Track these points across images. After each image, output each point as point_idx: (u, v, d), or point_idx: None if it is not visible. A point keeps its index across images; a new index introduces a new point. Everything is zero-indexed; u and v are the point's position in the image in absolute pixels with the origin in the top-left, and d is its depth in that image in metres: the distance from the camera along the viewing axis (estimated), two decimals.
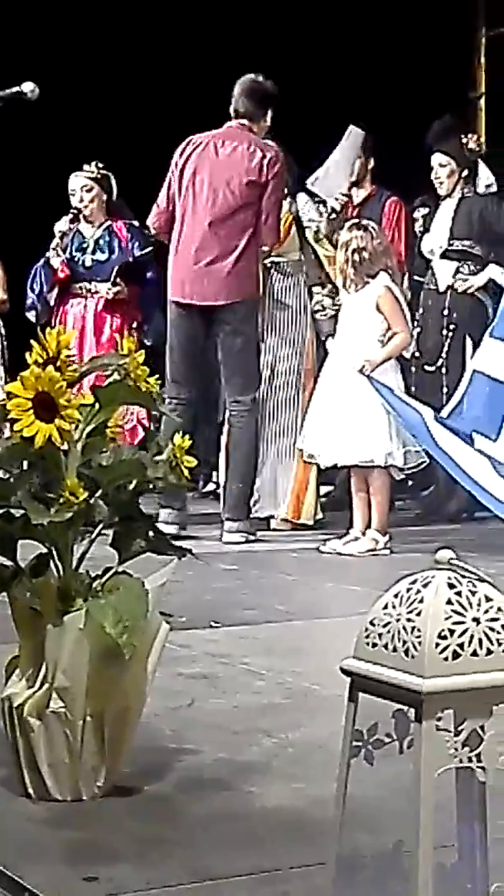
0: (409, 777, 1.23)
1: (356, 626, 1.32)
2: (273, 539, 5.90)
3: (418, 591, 1.26)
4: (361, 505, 5.48)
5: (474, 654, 1.23)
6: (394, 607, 1.27)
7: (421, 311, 6.54)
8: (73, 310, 6.74)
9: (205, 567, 3.84)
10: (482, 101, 10.16)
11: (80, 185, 6.75)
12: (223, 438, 6.09)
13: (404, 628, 1.25)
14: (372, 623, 1.29)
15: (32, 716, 2.00)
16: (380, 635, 1.27)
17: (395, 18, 8.91)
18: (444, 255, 6.54)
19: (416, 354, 6.50)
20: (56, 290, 6.74)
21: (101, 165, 6.77)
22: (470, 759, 1.23)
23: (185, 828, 1.91)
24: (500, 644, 1.24)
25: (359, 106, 7.98)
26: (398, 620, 1.26)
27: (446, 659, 1.22)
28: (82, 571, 2.05)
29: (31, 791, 2.03)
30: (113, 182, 6.80)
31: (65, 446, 1.99)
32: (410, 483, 7.14)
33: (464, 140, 6.66)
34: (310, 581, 4.74)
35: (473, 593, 1.26)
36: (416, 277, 6.74)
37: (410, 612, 1.25)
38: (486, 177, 6.76)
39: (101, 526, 2.05)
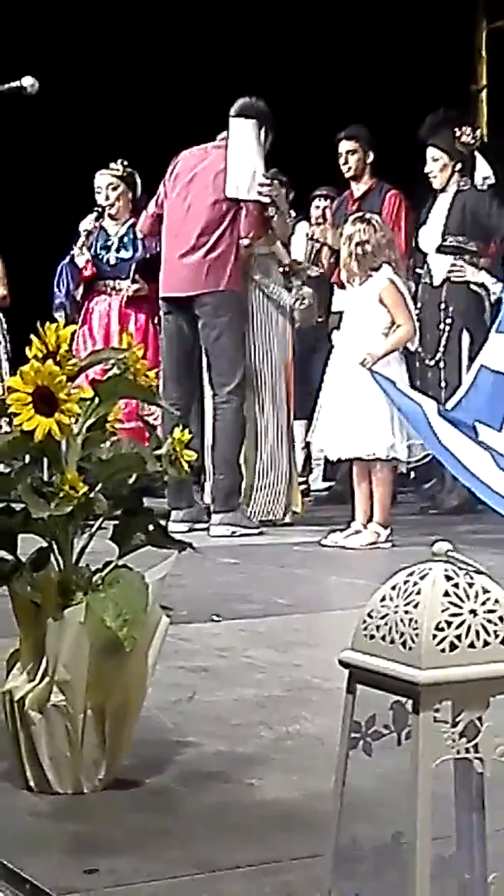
0: (407, 768, 1.23)
1: (357, 619, 1.33)
2: (274, 532, 5.91)
3: (415, 584, 1.26)
4: (363, 498, 5.48)
5: (471, 645, 1.23)
6: (391, 599, 1.28)
7: (419, 305, 6.54)
8: (98, 307, 6.78)
9: (205, 560, 3.84)
10: (483, 94, 10.16)
11: (106, 182, 6.79)
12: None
13: (402, 620, 1.25)
14: (370, 615, 1.29)
15: (33, 709, 2.01)
16: (377, 627, 1.27)
17: (397, 12, 8.91)
18: (439, 250, 6.55)
19: (418, 349, 6.51)
20: (82, 288, 6.79)
21: (126, 163, 6.80)
22: (468, 750, 1.24)
23: (185, 820, 1.92)
24: (497, 635, 1.24)
25: (360, 99, 7.99)
26: (395, 612, 1.26)
27: (443, 650, 1.22)
28: (83, 565, 2.06)
29: (32, 784, 2.04)
30: (138, 180, 6.83)
31: (65, 440, 1.99)
32: (412, 476, 7.16)
33: (457, 133, 6.65)
34: (311, 574, 4.74)
35: (471, 585, 1.26)
36: (417, 270, 6.75)
37: (408, 603, 1.25)
38: (483, 170, 6.76)
39: (101, 520, 2.06)
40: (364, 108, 7.44)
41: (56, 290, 6.86)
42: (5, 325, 7.47)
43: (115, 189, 6.77)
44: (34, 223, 7.56)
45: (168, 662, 2.74)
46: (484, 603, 1.25)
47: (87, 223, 6.82)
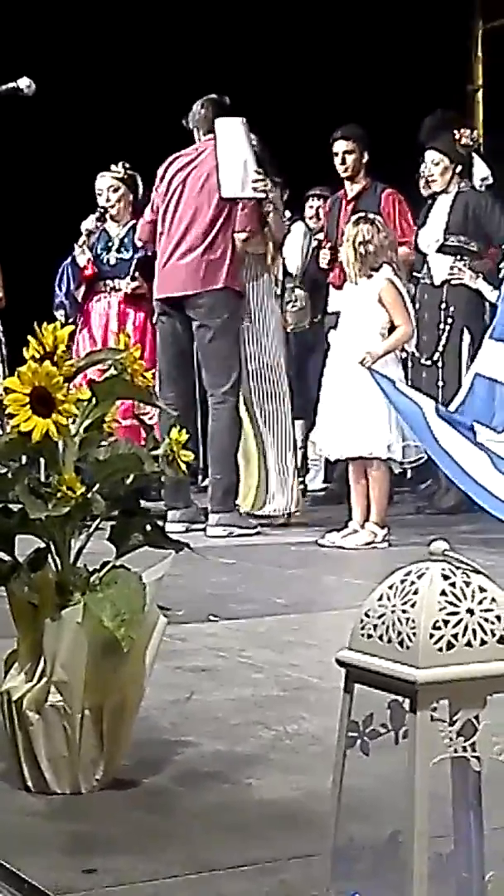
0: (404, 767, 1.23)
1: (355, 618, 1.33)
2: (271, 532, 5.91)
3: (413, 583, 1.27)
4: (360, 498, 5.49)
5: (468, 644, 1.24)
6: (388, 598, 1.28)
7: (417, 305, 6.55)
8: (97, 307, 6.79)
9: (203, 560, 3.84)
10: (480, 94, 10.16)
11: (107, 185, 6.81)
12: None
13: (399, 619, 1.25)
14: (367, 614, 1.30)
15: (31, 709, 2.01)
16: (375, 626, 1.28)
17: (393, 11, 8.91)
18: (439, 250, 6.55)
19: (415, 349, 6.51)
20: (83, 288, 6.81)
21: (127, 166, 6.81)
22: (465, 749, 1.24)
23: (183, 820, 1.92)
24: (493, 634, 1.25)
25: (356, 99, 7.99)
26: (393, 611, 1.26)
27: (441, 649, 1.23)
28: (80, 565, 2.06)
29: (30, 784, 2.04)
30: (139, 182, 6.85)
31: (62, 441, 1.99)
32: (409, 476, 7.16)
33: (456, 135, 6.66)
34: (308, 574, 4.75)
35: (468, 584, 1.26)
36: (415, 273, 6.75)
37: (405, 603, 1.26)
38: (481, 171, 6.77)
39: (98, 520, 2.06)
40: (359, 108, 7.44)
41: (56, 289, 6.88)
42: (0, 327, 7.49)
43: (115, 191, 6.80)
44: (32, 224, 7.56)
45: (166, 662, 2.74)
46: (481, 602, 1.26)
47: (88, 223, 6.85)
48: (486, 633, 1.25)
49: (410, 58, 8.86)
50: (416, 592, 1.26)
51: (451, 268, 6.49)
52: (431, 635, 1.23)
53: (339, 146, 6.80)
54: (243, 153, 5.88)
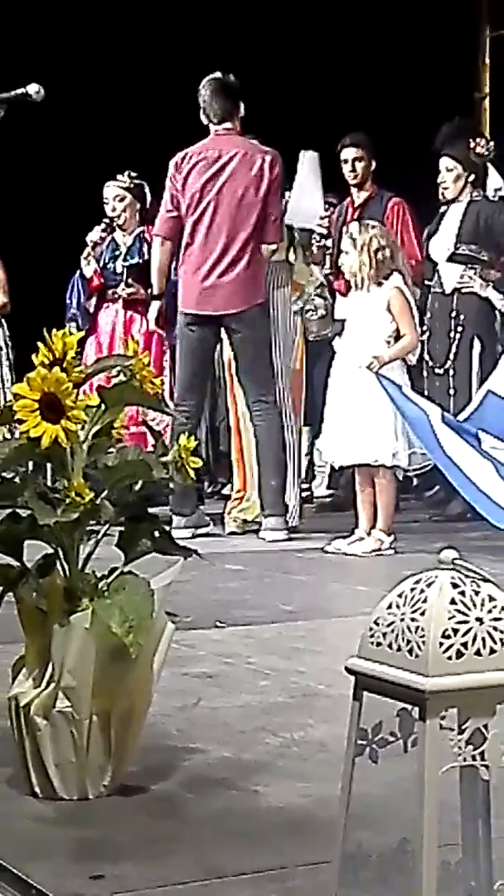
0: (413, 776, 1.23)
1: (361, 625, 1.33)
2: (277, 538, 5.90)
3: (422, 591, 1.27)
4: (366, 505, 5.49)
5: (478, 653, 1.24)
6: (398, 607, 1.28)
7: (428, 314, 6.55)
8: (105, 315, 6.82)
9: (210, 567, 3.84)
10: (486, 102, 10.16)
11: (113, 194, 6.82)
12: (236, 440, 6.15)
13: (408, 628, 1.25)
14: (376, 622, 1.30)
15: (39, 715, 2.01)
16: (384, 634, 1.28)
17: (399, 19, 8.92)
18: (450, 259, 6.55)
19: (426, 358, 6.52)
20: (94, 299, 6.82)
21: (133, 175, 6.82)
22: (474, 758, 1.24)
23: (191, 826, 1.92)
24: (503, 643, 1.25)
25: (363, 107, 7.99)
26: (402, 620, 1.26)
27: (450, 658, 1.23)
28: (88, 571, 2.06)
29: (37, 790, 2.04)
30: (146, 191, 6.85)
31: (71, 447, 2.00)
32: (415, 483, 7.16)
33: (472, 144, 6.67)
34: (315, 581, 4.75)
35: (477, 593, 1.27)
36: (427, 282, 6.74)
37: (414, 611, 1.26)
38: (495, 181, 6.77)
39: (107, 526, 2.06)
40: (366, 116, 7.44)
41: (68, 301, 6.92)
42: (7, 333, 7.50)
43: (122, 200, 6.81)
44: (39, 232, 7.58)
45: (173, 669, 2.74)
46: (490, 611, 1.26)
47: (93, 234, 6.87)
48: (495, 641, 1.25)
49: (417, 65, 8.87)
50: (425, 601, 1.26)
51: (462, 276, 6.49)
52: (441, 644, 1.23)
53: (349, 153, 6.81)
54: (319, 188, 6.24)
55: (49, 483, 2.03)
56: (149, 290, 6.50)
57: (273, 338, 6.09)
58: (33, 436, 1.93)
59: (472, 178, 6.61)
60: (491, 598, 1.27)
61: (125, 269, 6.76)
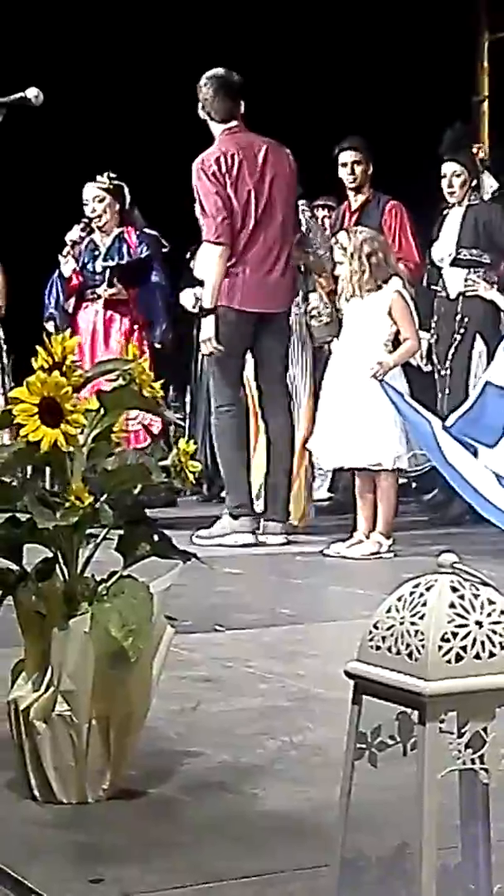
0: (412, 779, 1.23)
1: (360, 629, 1.33)
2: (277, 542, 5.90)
3: (421, 595, 1.27)
4: (366, 508, 5.49)
5: (477, 656, 1.24)
6: (397, 610, 1.28)
7: (434, 318, 6.57)
8: (84, 315, 6.81)
9: (209, 571, 3.84)
10: (485, 105, 10.17)
11: (93, 195, 6.81)
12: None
13: (407, 631, 1.26)
14: (375, 626, 1.30)
15: (38, 719, 2.01)
16: (383, 638, 1.28)
17: (398, 23, 8.92)
18: (453, 263, 6.56)
19: (435, 361, 6.54)
20: (73, 299, 6.82)
21: (113, 176, 6.82)
22: (473, 761, 1.24)
23: (190, 830, 1.92)
24: (502, 647, 1.25)
25: (362, 110, 7.99)
26: (401, 623, 1.27)
27: (449, 662, 1.23)
28: (88, 575, 2.06)
29: (36, 794, 2.04)
30: (126, 192, 6.85)
31: (70, 451, 2.00)
32: (414, 486, 7.16)
33: (474, 149, 6.69)
34: (314, 584, 4.75)
35: (476, 596, 1.27)
36: (432, 287, 6.74)
37: (414, 615, 1.26)
38: (489, 184, 6.79)
39: (106, 530, 2.06)
40: (365, 119, 7.44)
41: (46, 301, 6.90)
42: (2, 336, 7.50)
43: (101, 201, 6.80)
44: (26, 235, 7.56)
45: (172, 672, 2.74)
46: (490, 614, 1.26)
47: (72, 234, 6.86)
48: (494, 645, 1.25)
49: (416, 68, 8.87)
50: (424, 604, 1.26)
51: (466, 280, 6.50)
52: (440, 647, 1.23)
53: (348, 156, 6.80)
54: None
55: (48, 487, 2.03)
56: (158, 300, 6.59)
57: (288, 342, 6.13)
58: (33, 440, 1.93)
59: (474, 183, 6.63)
60: (490, 602, 1.27)
61: (106, 270, 6.74)
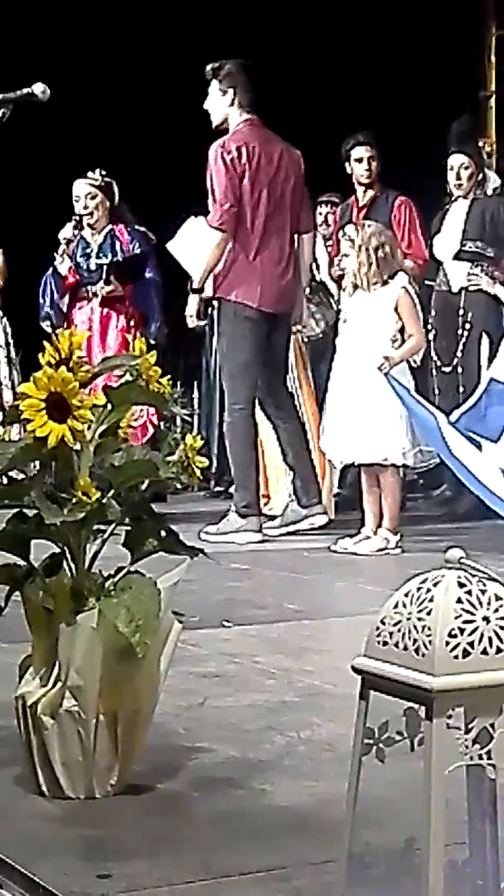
0: (420, 775, 1.23)
1: (367, 624, 1.33)
2: (284, 538, 5.90)
3: (429, 590, 1.27)
4: (372, 504, 5.48)
5: (484, 652, 1.24)
6: (404, 606, 1.28)
7: (433, 313, 6.54)
8: (80, 313, 6.80)
9: (216, 566, 3.85)
10: (492, 100, 10.15)
11: (84, 192, 6.81)
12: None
13: (415, 627, 1.26)
14: (383, 622, 1.30)
15: (46, 714, 2.02)
16: (391, 634, 1.28)
17: (404, 18, 8.91)
18: (456, 257, 6.55)
19: (434, 357, 6.52)
20: (67, 297, 6.82)
21: (104, 173, 6.82)
22: (480, 757, 1.24)
23: (197, 825, 1.93)
24: None
25: (368, 106, 7.98)
26: (409, 619, 1.27)
27: (456, 657, 1.23)
28: (95, 571, 2.06)
29: (44, 789, 2.05)
30: (115, 189, 6.85)
31: (77, 446, 2.00)
32: (421, 482, 7.16)
33: (480, 143, 6.68)
34: (321, 580, 4.75)
35: (483, 592, 1.27)
36: (427, 282, 6.72)
37: (421, 610, 1.26)
38: (493, 179, 6.77)
39: (113, 525, 2.06)
40: (372, 114, 7.43)
41: (41, 300, 6.91)
42: (9, 329, 7.50)
43: (92, 198, 6.80)
44: (21, 231, 7.56)
45: (179, 668, 2.74)
46: (497, 610, 1.26)
47: (66, 231, 6.87)
48: (501, 640, 1.25)
49: (422, 63, 8.86)
50: (431, 600, 1.26)
51: (469, 274, 6.49)
52: (447, 643, 1.23)
53: (363, 151, 6.77)
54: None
55: (55, 482, 2.03)
56: (153, 299, 6.58)
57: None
58: (40, 435, 1.93)
59: (479, 176, 6.62)
60: (497, 598, 1.27)
61: (102, 267, 6.74)
